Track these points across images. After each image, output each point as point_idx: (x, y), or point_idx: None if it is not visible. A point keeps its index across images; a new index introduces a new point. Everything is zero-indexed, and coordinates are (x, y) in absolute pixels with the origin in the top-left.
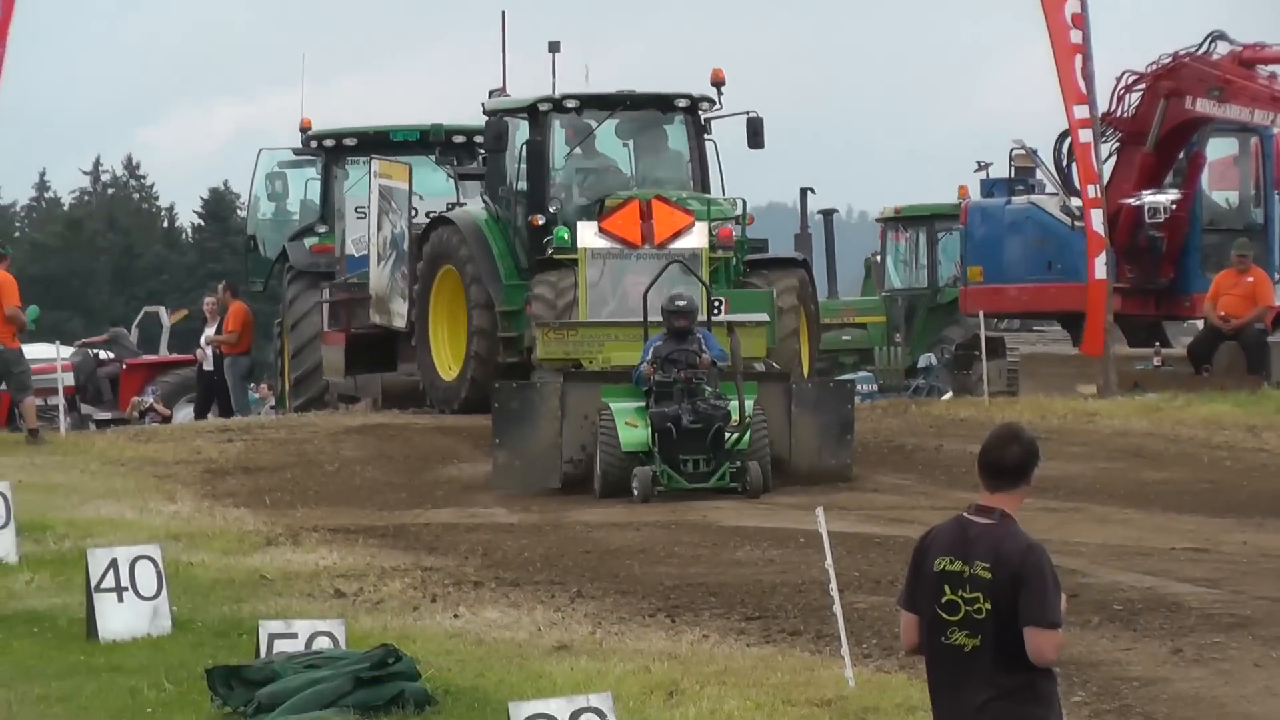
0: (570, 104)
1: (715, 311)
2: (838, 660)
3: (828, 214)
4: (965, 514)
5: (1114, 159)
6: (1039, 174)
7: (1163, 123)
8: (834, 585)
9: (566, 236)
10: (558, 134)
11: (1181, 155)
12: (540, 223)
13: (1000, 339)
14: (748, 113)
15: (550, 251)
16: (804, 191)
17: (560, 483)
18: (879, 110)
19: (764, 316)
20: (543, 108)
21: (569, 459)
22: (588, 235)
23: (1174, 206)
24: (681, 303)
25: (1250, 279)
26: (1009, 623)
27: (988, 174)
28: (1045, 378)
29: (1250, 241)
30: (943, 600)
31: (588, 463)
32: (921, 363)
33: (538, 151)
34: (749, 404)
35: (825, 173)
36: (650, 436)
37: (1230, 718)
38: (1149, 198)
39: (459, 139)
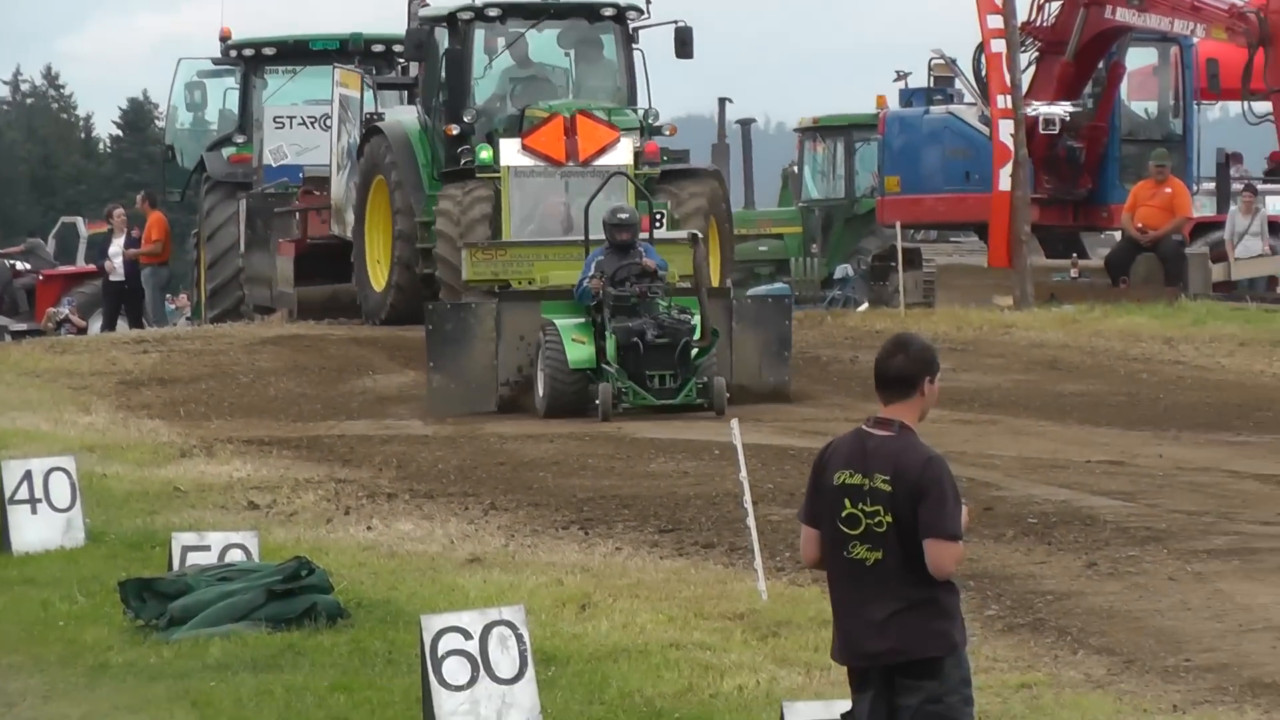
0: (492, 12)
1: (657, 225)
2: (750, 573)
3: (745, 124)
4: (864, 426)
5: (1033, 69)
6: (958, 84)
7: (1082, 32)
8: (747, 498)
9: (488, 155)
10: (479, 43)
11: (1101, 65)
12: (455, 132)
13: (917, 250)
14: (676, 22)
15: (465, 162)
16: (722, 102)
17: (496, 406)
18: (798, 19)
19: (692, 233)
20: (463, 16)
21: (505, 381)
22: (510, 152)
23: (1067, 118)
24: (624, 215)
25: (1168, 190)
26: (910, 536)
27: (906, 84)
28: (962, 289)
29: (1169, 152)
30: (843, 514)
31: (524, 385)
32: (838, 274)
33: (456, 60)
34: (716, 337)
35: (743, 83)
36: (613, 351)
37: (1144, 631)
38: (1043, 109)
39: (378, 48)
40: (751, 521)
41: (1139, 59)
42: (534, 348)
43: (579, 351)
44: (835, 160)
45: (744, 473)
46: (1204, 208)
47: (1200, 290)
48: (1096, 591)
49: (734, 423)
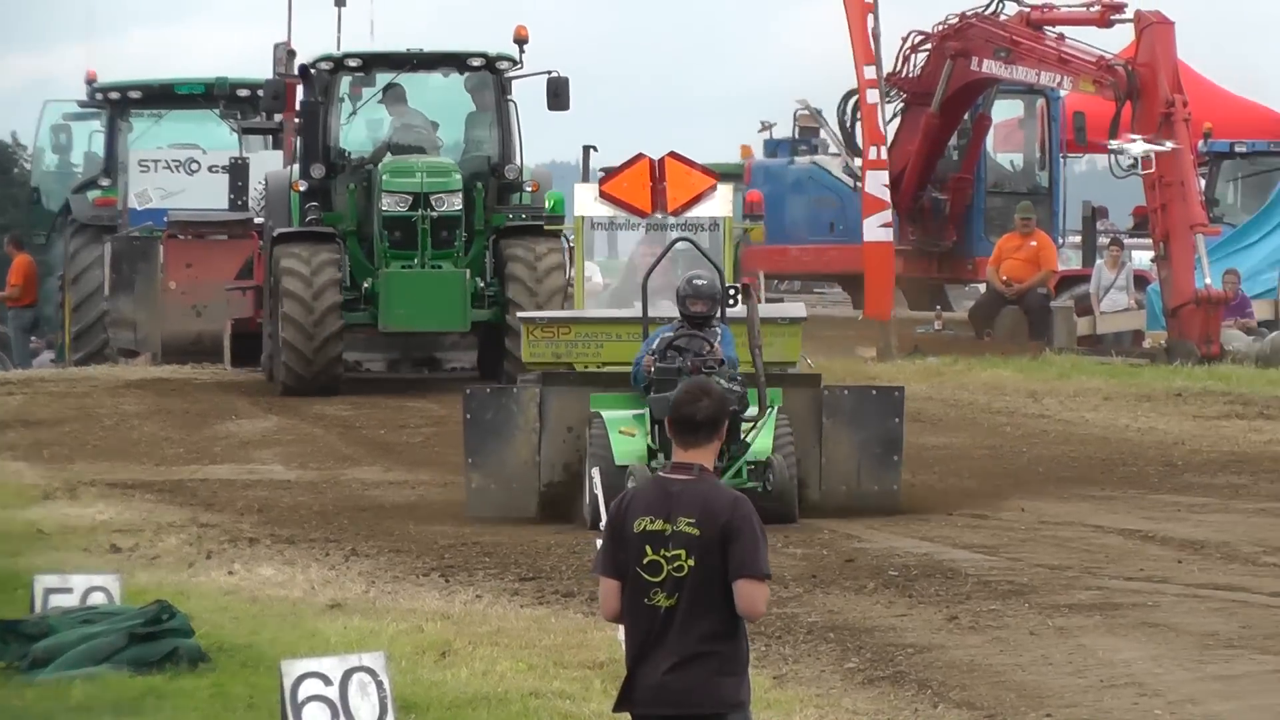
0: (353, 63)
1: (732, 302)
2: (610, 624)
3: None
4: (662, 474)
5: (898, 120)
6: (823, 134)
7: (949, 83)
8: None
9: (558, 199)
10: (340, 96)
11: (967, 117)
12: (302, 189)
13: (780, 300)
14: (550, 72)
15: (309, 220)
16: (586, 149)
17: (536, 510)
18: (665, 68)
19: (800, 312)
20: (323, 67)
21: (548, 481)
22: (586, 200)
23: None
24: (701, 282)
25: (1034, 243)
26: (712, 581)
27: (771, 134)
28: (825, 340)
29: (1034, 205)
30: (645, 561)
31: (571, 484)
32: None
33: (313, 114)
34: (771, 411)
35: (610, 130)
36: (650, 433)
37: (1006, 685)
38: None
39: (243, 92)
40: None
41: (1005, 111)
42: (584, 442)
43: (627, 445)
44: None
45: (604, 519)
46: (1070, 261)
47: (1065, 344)
48: (958, 645)
49: (595, 471)
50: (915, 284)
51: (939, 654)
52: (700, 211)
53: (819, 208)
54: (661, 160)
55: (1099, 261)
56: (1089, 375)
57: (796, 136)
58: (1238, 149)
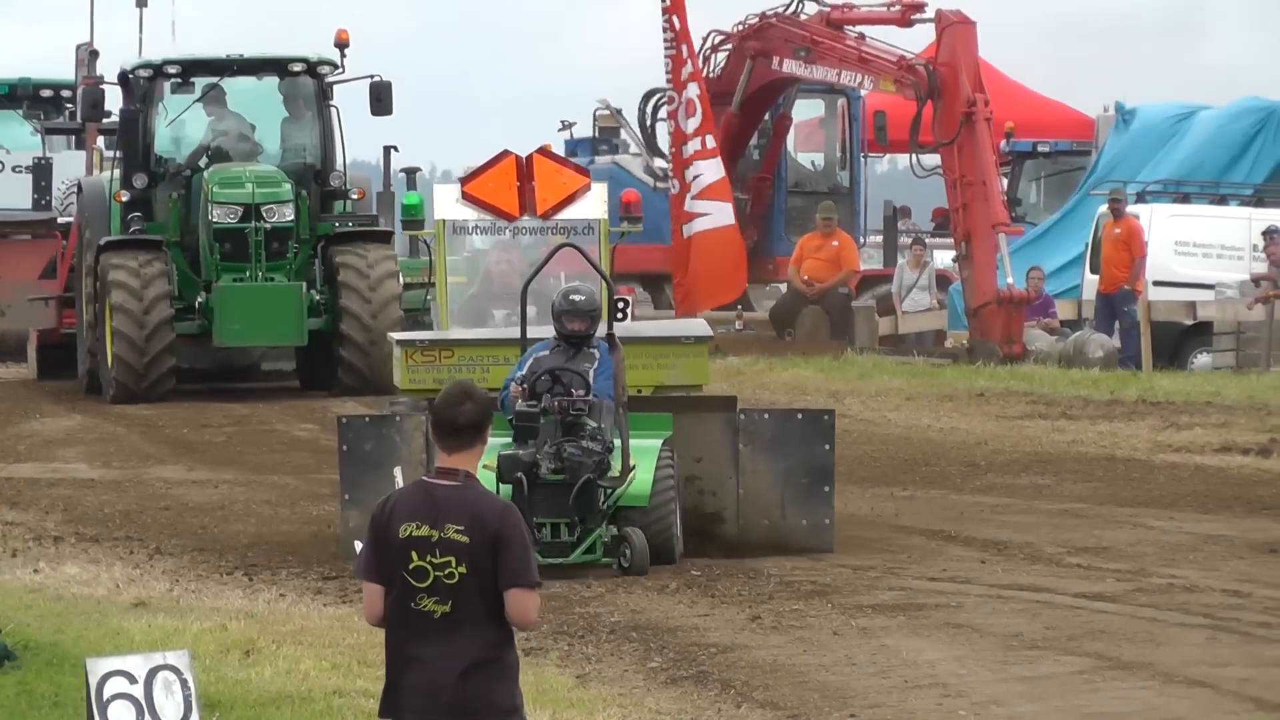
0: (172, 70)
1: (620, 315)
2: None
3: (411, 172)
4: (426, 478)
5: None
6: (623, 134)
7: (749, 83)
8: None
9: (415, 200)
10: (163, 101)
11: (767, 116)
12: (124, 199)
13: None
14: (372, 76)
15: (133, 230)
16: (387, 150)
17: None
18: (466, 68)
19: (705, 330)
20: (142, 74)
21: None
22: (447, 202)
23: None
24: (579, 298)
25: (835, 242)
26: (483, 587)
27: (571, 133)
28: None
29: (835, 204)
30: (411, 567)
31: None
32: None
33: (132, 123)
34: (654, 443)
35: (410, 131)
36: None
37: (809, 686)
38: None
39: (47, 93)
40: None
41: (806, 111)
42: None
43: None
44: None
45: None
46: (871, 260)
47: (866, 343)
48: (761, 645)
49: (397, 470)
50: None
51: (742, 654)
52: (572, 214)
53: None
54: (529, 157)
55: (901, 261)
56: (891, 375)
57: (597, 136)
58: (1040, 148)
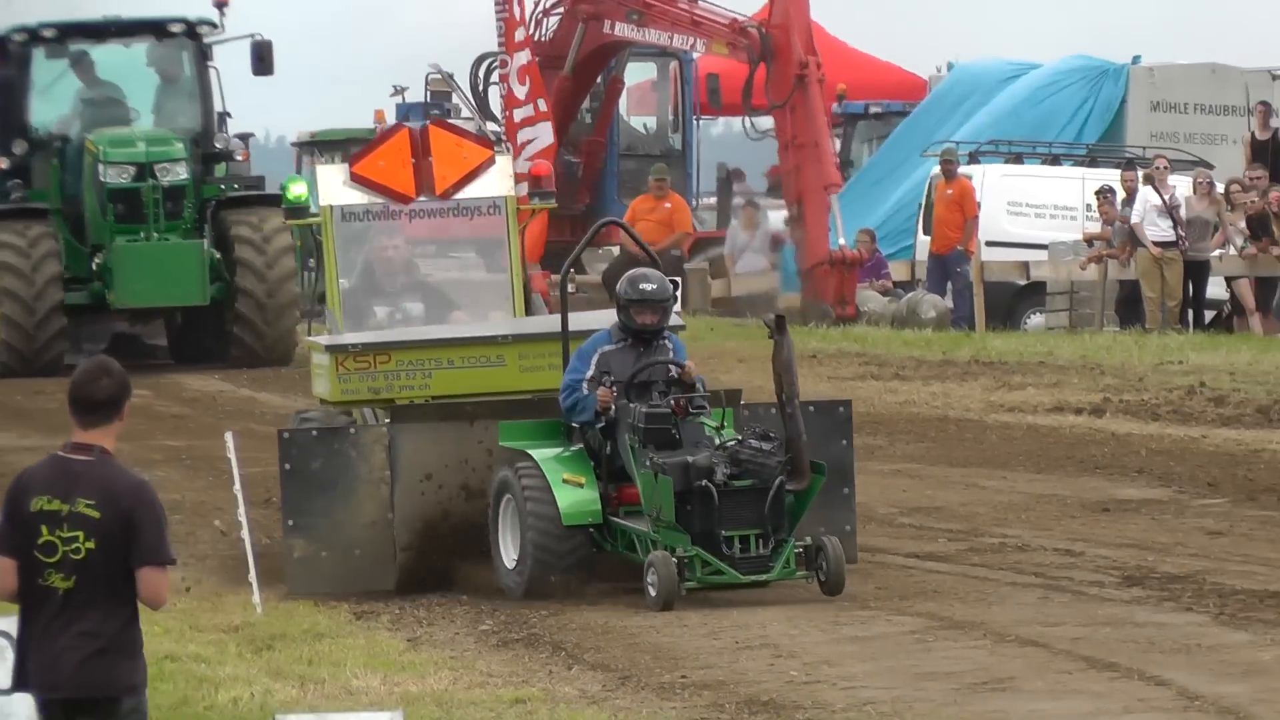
0: (49, 34)
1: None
2: (246, 587)
3: (244, 138)
4: (61, 452)
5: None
6: (455, 99)
7: (581, 46)
8: (242, 511)
9: (300, 193)
10: (39, 66)
11: (600, 80)
12: (4, 166)
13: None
14: (253, 35)
15: (14, 198)
16: (222, 116)
17: (393, 583)
18: (298, 33)
19: (677, 320)
20: (16, 39)
21: (406, 545)
22: (334, 184)
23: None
24: (650, 286)
25: (668, 205)
26: (111, 564)
27: (404, 98)
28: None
29: (668, 167)
30: (40, 541)
31: (435, 546)
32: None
33: (7, 88)
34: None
35: (244, 97)
36: (657, 498)
37: (640, 648)
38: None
39: None
40: (246, 534)
41: (639, 74)
42: (446, 494)
43: (574, 499)
44: None
45: (238, 485)
46: (705, 223)
47: (700, 306)
48: (592, 607)
49: (229, 435)
50: (549, 247)
51: (572, 616)
52: (476, 191)
53: None
54: (424, 130)
55: (734, 223)
56: (724, 337)
57: (429, 101)
58: (872, 110)
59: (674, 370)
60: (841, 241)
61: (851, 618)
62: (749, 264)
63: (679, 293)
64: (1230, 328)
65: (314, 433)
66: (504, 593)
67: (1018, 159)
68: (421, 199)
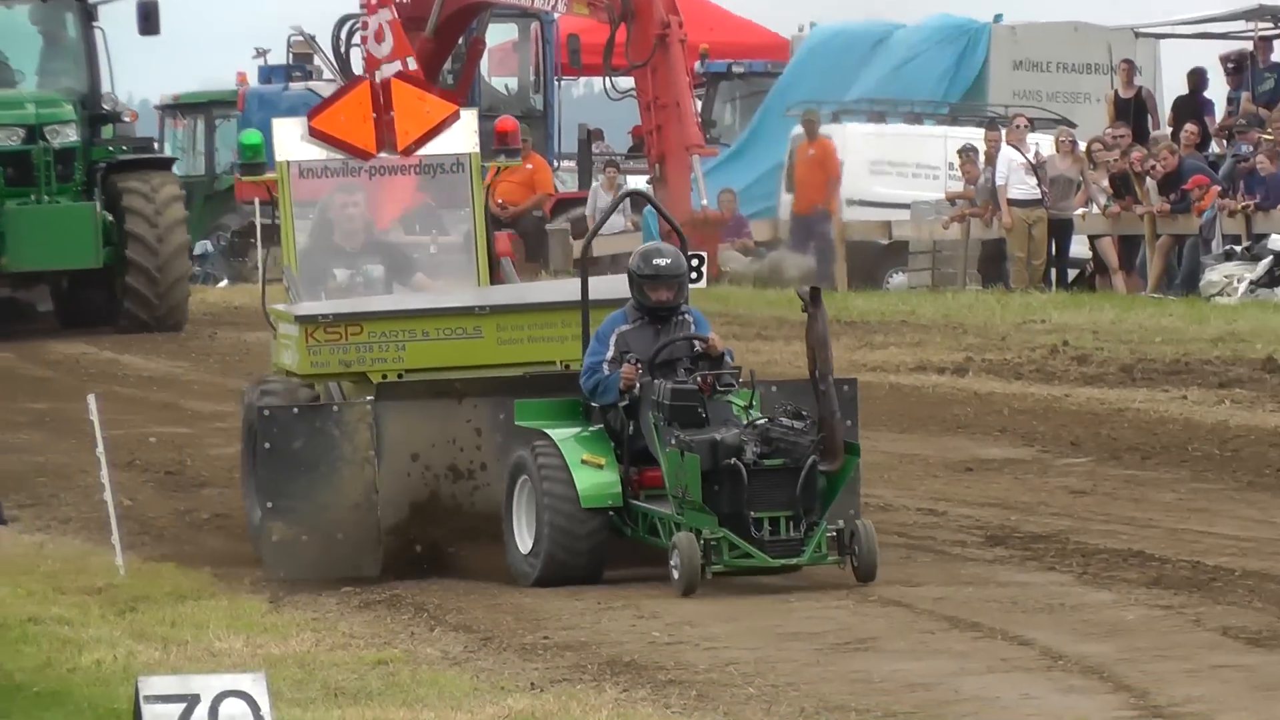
0: None
1: (694, 275)
2: (109, 548)
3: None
4: None
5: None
6: (317, 60)
7: (443, 8)
8: (105, 472)
9: (254, 140)
10: None
11: (461, 41)
12: None
13: (276, 227)
14: None
15: None
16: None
17: (377, 568)
18: None
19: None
20: None
21: (392, 527)
22: (290, 139)
23: None
24: (664, 261)
25: (529, 166)
26: None
27: (266, 60)
28: None
29: (529, 128)
30: None
31: (423, 530)
32: (198, 250)
33: None
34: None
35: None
36: (684, 478)
37: (502, 609)
38: None
39: None
40: (109, 496)
41: (500, 35)
42: (433, 474)
43: (594, 481)
44: (196, 137)
45: (101, 447)
46: (566, 184)
47: (561, 266)
48: (454, 569)
49: (91, 398)
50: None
51: (435, 578)
52: (439, 148)
53: None
54: (385, 84)
55: (595, 184)
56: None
57: (291, 63)
58: (735, 70)
59: (698, 345)
60: (704, 202)
61: (713, 579)
62: (610, 224)
63: (703, 267)
64: (1093, 286)
65: (295, 410)
66: (515, 580)
67: (880, 118)
68: (383, 155)
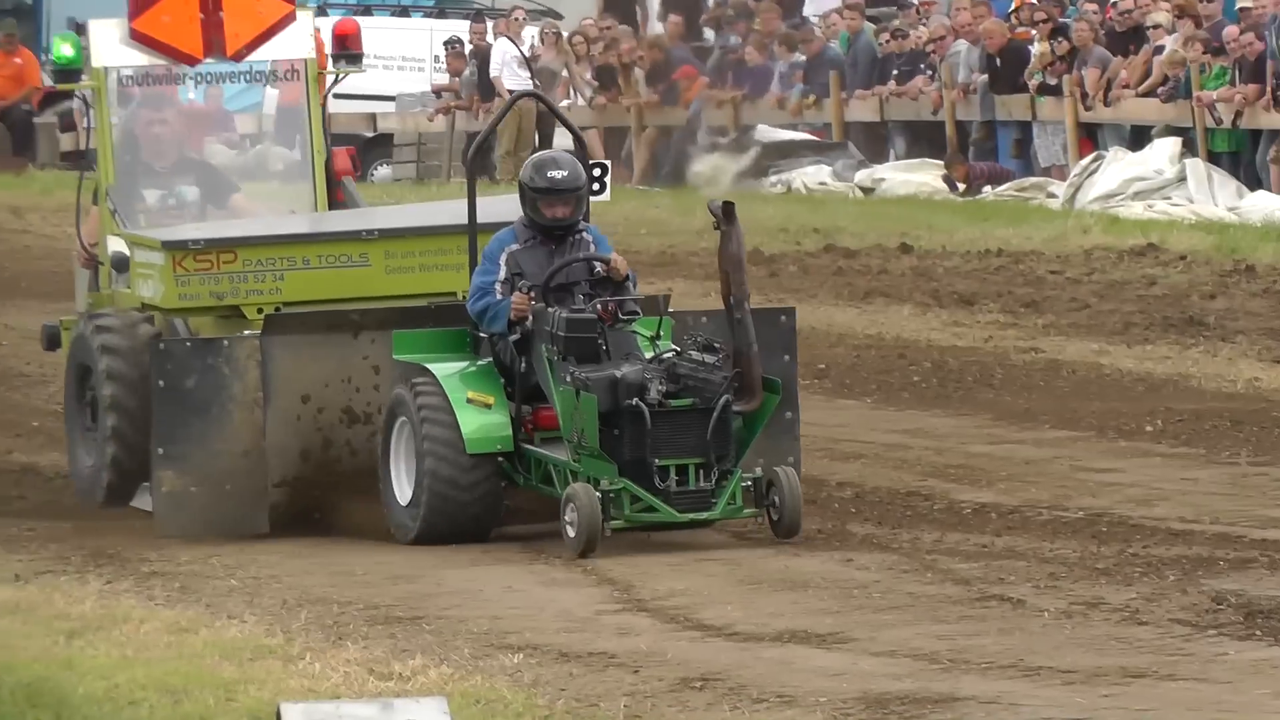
0: None
1: (597, 186)
2: None
3: None
4: None
5: None
6: None
7: None
8: None
9: (71, 53)
10: None
11: None
12: None
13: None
14: None
15: None
16: None
17: (266, 524)
18: None
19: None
20: None
21: (280, 480)
22: (108, 43)
23: None
24: (560, 173)
25: (18, 60)
26: None
27: None
28: None
29: (17, 23)
30: None
31: (316, 484)
32: None
33: None
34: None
35: None
36: (583, 421)
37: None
38: None
39: None
40: None
41: None
42: (329, 416)
43: (481, 423)
44: None
45: None
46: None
47: (49, 160)
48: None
49: None
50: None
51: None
52: (272, 52)
53: None
54: None
55: None
56: (69, 190)
57: None
58: None
59: (599, 268)
60: None
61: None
62: None
63: (606, 177)
64: None
65: (188, 343)
66: (391, 536)
67: (366, 11)
68: (210, 61)
